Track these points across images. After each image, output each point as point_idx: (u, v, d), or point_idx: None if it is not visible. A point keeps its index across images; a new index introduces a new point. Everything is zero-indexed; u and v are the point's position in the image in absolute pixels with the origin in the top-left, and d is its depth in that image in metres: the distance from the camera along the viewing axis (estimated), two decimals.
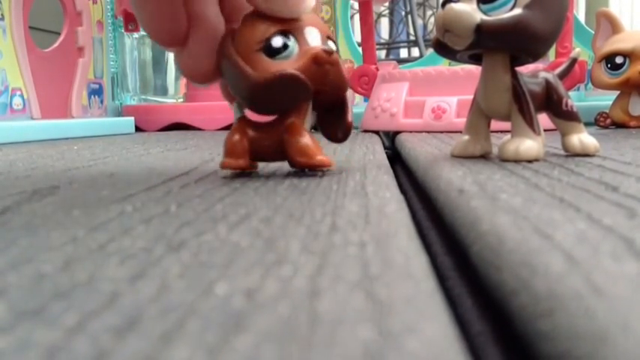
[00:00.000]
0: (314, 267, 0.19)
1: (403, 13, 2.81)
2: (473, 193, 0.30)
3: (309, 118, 0.43)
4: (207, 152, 0.71)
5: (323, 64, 0.40)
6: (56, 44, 1.34)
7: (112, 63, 1.62)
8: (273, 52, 0.40)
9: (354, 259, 0.20)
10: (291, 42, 0.41)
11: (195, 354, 0.12)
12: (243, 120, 0.43)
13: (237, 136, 0.43)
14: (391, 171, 0.47)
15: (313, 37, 0.42)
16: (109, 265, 0.20)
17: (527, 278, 0.17)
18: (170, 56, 2.09)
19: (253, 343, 0.13)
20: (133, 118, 1.46)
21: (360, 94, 1.19)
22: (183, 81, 1.82)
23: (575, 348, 0.13)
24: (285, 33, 0.41)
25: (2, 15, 1.16)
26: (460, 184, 0.33)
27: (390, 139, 0.91)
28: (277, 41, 0.40)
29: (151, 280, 0.18)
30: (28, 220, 0.29)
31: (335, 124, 0.45)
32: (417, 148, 0.60)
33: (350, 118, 0.45)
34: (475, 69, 0.73)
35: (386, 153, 0.65)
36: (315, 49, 0.40)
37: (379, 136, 0.97)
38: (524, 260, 0.18)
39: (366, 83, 1.17)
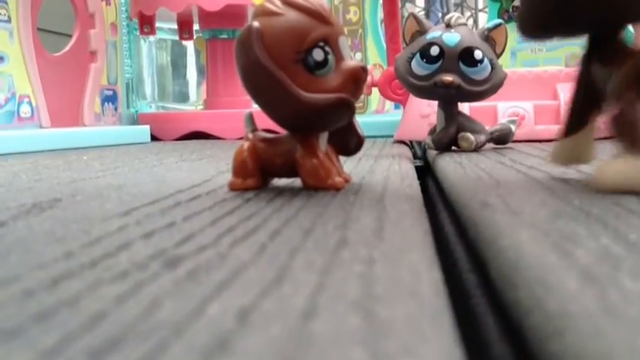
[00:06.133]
0: (314, 285, 0.19)
1: (440, 14, 2.81)
2: (496, 206, 0.30)
3: (325, 135, 0.43)
4: (224, 163, 0.71)
5: (360, 82, 0.41)
6: (67, 48, 1.35)
7: (126, 68, 1.63)
8: (313, 66, 0.40)
9: (359, 276, 0.20)
10: (330, 56, 0.40)
11: None
12: (254, 134, 0.43)
13: (246, 154, 0.43)
14: (417, 183, 0.47)
15: (345, 49, 0.41)
16: (99, 282, 0.20)
17: (541, 296, 0.17)
18: (190, 61, 2.11)
19: None
20: (148, 127, 1.47)
21: (393, 100, 1.18)
22: (204, 87, 1.83)
23: None
24: (323, 42, 0.40)
25: (9, 17, 1.17)
26: (484, 197, 0.33)
27: (423, 150, 0.91)
28: (319, 55, 0.40)
29: (140, 299, 0.18)
30: (24, 235, 0.29)
31: (346, 137, 0.45)
32: (447, 159, 0.60)
33: (360, 130, 0.45)
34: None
35: (417, 165, 0.65)
36: (354, 67, 0.41)
37: (411, 146, 0.97)
38: (540, 278, 0.18)
39: (399, 88, 1.15)
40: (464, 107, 0.87)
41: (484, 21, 2.06)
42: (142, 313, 0.17)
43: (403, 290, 0.18)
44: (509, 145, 0.82)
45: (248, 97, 0.42)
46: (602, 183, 0.32)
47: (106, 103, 1.48)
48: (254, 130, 0.44)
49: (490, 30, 0.75)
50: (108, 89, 1.49)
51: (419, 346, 0.14)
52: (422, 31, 0.76)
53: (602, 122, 0.37)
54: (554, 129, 0.93)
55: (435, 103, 0.78)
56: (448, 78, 0.72)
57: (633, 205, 0.29)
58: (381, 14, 1.64)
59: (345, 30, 0.44)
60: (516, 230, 0.25)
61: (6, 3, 1.16)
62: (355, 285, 0.19)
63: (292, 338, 0.14)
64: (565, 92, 0.93)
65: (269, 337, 0.14)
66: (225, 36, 1.61)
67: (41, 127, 1.23)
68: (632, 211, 0.28)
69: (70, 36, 1.39)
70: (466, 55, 0.72)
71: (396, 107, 1.46)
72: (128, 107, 1.63)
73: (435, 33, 0.74)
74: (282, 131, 0.43)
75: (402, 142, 1.05)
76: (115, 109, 1.53)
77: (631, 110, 0.31)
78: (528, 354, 0.17)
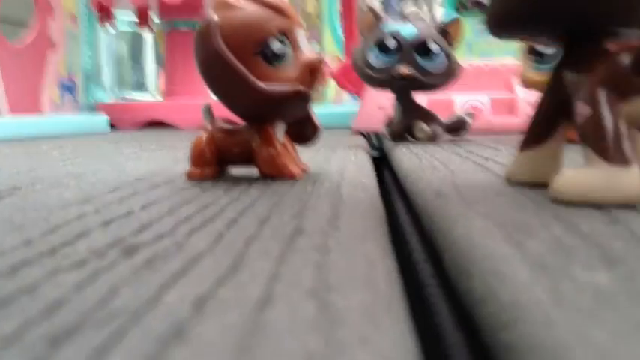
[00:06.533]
0: (270, 273, 0.19)
1: (397, 7, 2.81)
2: (451, 196, 0.30)
3: (282, 125, 0.43)
4: (183, 152, 0.70)
5: (317, 74, 0.41)
6: (26, 38, 1.34)
7: (86, 58, 1.62)
8: (271, 58, 0.40)
9: (314, 265, 0.20)
10: (288, 47, 0.40)
11: None
12: (212, 125, 0.43)
13: (204, 144, 0.43)
14: (373, 173, 0.47)
15: (303, 41, 0.42)
16: (57, 270, 0.20)
17: (494, 286, 0.17)
18: (148, 51, 2.09)
19: (192, 355, 0.13)
20: (106, 117, 1.46)
21: (349, 90, 1.18)
22: (163, 77, 1.82)
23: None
24: (281, 34, 0.40)
25: None
26: (438, 187, 0.33)
27: (379, 141, 0.91)
28: (277, 46, 0.40)
29: (98, 286, 0.18)
30: None
31: (303, 128, 0.45)
32: (403, 150, 0.60)
33: (317, 120, 0.45)
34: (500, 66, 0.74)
35: (374, 155, 0.65)
36: (311, 59, 0.41)
37: (367, 137, 0.97)
38: (493, 268, 0.18)
39: (356, 79, 1.15)
40: (421, 99, 0.87)
41: (440, 14, 2.07)
42: (100, 300, 0.17)
43: (358, 279, 0.18)
44: (466, 136, 0.83)
45: (206, 88, 0.42)
46: (559, 193, 0.30)
47: (65, 93, 1.47)
48: (212, 120, 0.44)
49: (446, 23, 0.76)
50: (67, 79, 1.48)
51: (373, 335, 0.14)
52: (379, 23, 0.76)
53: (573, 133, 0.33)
54: (509, 121, 0.94)
55: (391, 94, 0.78)
56: (404, 70, 0.72)
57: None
58: (339, 6, 1.65)
59: (303, 22, 0.44)
60: (470, 220, 0.25)
61: None
62: (310, 273, 0.19)
63: (248, 326, 0.14)
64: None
65: (225, 324, 0.14)
66: (184, 27, 1.60)
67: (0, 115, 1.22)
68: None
69: (29, 25, 1.38)
70: (422, 47, 0.73)
71: (353, 98, 1.47)
72: (87, 96, 1.62)
73: (391, 25, 0.75)
74: (241, 121, 0.43)
75: (359, 132, 1.05)
76: (74, 98, 1.52)
77: (600, 114, 0.30)
78: (481, 343, 0.17)
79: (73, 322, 0.15)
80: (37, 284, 0.18)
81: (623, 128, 0.29)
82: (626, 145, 0.29)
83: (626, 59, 0.30)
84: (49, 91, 1.38)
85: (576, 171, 0.30)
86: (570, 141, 0.35)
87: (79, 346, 0.13)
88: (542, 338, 0.13)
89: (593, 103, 0.30)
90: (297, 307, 0.16)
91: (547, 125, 0.36)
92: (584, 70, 0.32)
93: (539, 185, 0.33)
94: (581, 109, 0.30)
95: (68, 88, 1.48)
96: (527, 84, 0.80)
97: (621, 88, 0.30)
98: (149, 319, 0.15)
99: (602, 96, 0.30)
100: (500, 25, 0.36)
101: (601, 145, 0.29)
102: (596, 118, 0.30)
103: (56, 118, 1.33)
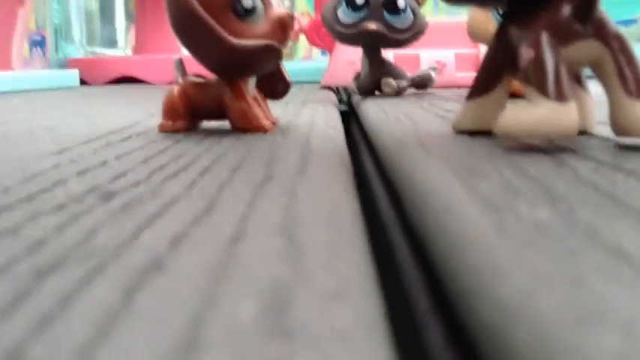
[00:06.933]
0: (241, 214, 0.20)
1: None
2: (413, 146, 0.31)
3: (253, 79, 0.44)
4: (154, 107, 0.71)
5: (288, 29, 0.41)
6: None
7: (55, 13, 1.61)
8: (242, 13, 0.41)
9: (283, 207, 0.21)
10: (259, 3, 0.41)
11: (111, 293, 0.13)
12: (183, 79, 0.44)
13: (176, 97, 0.43)
14: (341, 125, 0.48)
15: None
16: (37, 214, 0.21)
17: (446, 223, 0.18)
18: (119, 6, 2.07)
19: (170, 282, 0.14)
20: (77, 71, 1.45)
21: (319, 46, 1.19)
22: (133, 32, 1.81)
23: (475, 283, 0.14)
24: None
25: None
26: (402, 138, 0.34)
27: (348, 95, 0.92)
28: (247, 2, 0.40)
29: (78, 228, 0.19)
30: None
31: (274, 82, 0.46)
32: (370, 103, 0.62)
33: (287, 75, 0.46)
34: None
35: (342, 109, 0.66)
36: (282, 15, 0.41)
37: (336, 92, 0.98)
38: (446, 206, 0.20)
39: (326, 35, 1.16)
40: (388, 55, 0.88)
41: None
42: (81, 239, 0.18)
43: (323, 218, 0.19)
44: (430, 90, 0.84)
45: (177, 43, 0.43)
46: (503, 129, 0.31)
47: (34, 48, 1.46)
48: (184, 74, 0.44)
49: None
50: (36, 34, 1.47)
51: (336, 263, 0.15)
52: None
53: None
54: (473, 76, 0.95)
55: (360, 50, 0.79)
56: (372, 26, 0.73)
57: (536, 143, 0.31)
58: None
59: None
60: (428, 167, 0.26)
61: None
62: (279, 214, 0.20)
63: (221, 259, 0.15)
64: None
65: (200, 258, 0.16)
66: None
67: None
68: (535, 149, 0.30)
69: None
70: (390, 3, 0.74)
71: (323, 54, 1.47)
72: (57, 52, 1.61)
73: None
74: (212, 76, 0.43)
75: (329, 87, 1.06)
76: (44, 53, 1.51)
77: (542, 55, 0.31)
78: (434, 273, 0.18)
79: (56, 258, 0.16)
80: (18, 227, 0.19)
81: (563, 69, 0.31)
82: (566, 84, 0.31)
83: (567, 7, 0.32)
84: (19, 46, 1.37)
85: (519, 108, 0.31)
86: (514, 95, 0.36)
87: (63, 278, 0.14)
88: (482, 263, 0.15)
89: (536, 46, 0.31)
90: (266, 242, 0.17)
91: (493, 75, 0.37)
92: (529, 23, 0.33)
93: (485, 133, 0.35)
94: (525, 53, 0.32)
95: (37, 43, 1.47)
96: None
97: (562, 33, 0.32)
98: (128, 254, 0.16)
99: (544, 39, 0.31)
100: None
101: (542, 84, 0.31)
102: (538, 59, 0.31)
103: (26, 73, 1.32)
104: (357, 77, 0.80)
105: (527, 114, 0.31)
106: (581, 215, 0.18)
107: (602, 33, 0.32)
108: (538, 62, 0.31)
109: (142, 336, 0.11)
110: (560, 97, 0.30)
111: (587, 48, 0.32)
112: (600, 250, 0.15)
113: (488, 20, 0.70)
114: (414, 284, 0.19)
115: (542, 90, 0.30)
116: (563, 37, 0.32)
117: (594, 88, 0.36)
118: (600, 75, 0.33)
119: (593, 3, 0.32)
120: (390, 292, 0.16)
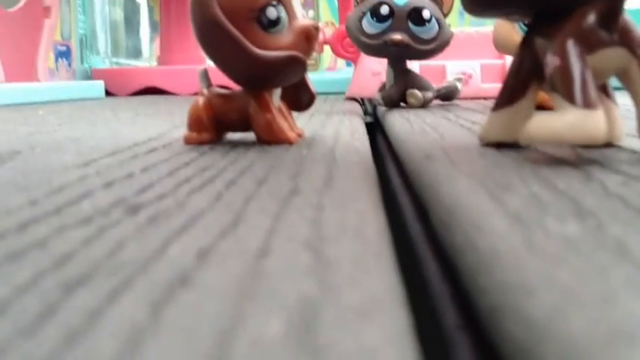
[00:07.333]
0: (268, 228, 0.20)
1: None
2: (439, 158, 0.31)
3: (278, 91, 0.44)
4: (179, 118, 0.71)
5: (312, 40, 0.42)
6: (21, 3, 1.33)
7: (80, 24, 1.62)
8: (267, 25, 0.41)
9: (309, 220, 0.21)
10: (283, 14, 0.41)
11: (139, 308, 0.13)
12: (208, 90, 0.44)
13: (201, 108, 0.43)
14: (366, 137, 0.48)
15: (298, 7, 0.42)
16: (64, 227, 0.21)
17: (473, 238, 0.18)
18: (143, 17, 2.08)
19: (197, 298, 0.14)
20: (102, 82, 1.46)
21: (345, 57, 1.19)
22: (158, 43, 1.82)
23: (504, 300, 0.14)
24: (276, 1, 0.41)
25: None
26: (428, 150, 0.34)
27: (373, 107, 0.92)
28: (272, 13, 0.41)
29: (105, 241, 0.19)
30: None
31: (298, 94, 0.46)
32: (396, 115, 0.61)
33: (312, 87, 0.46)
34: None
35: (368, 121, 0.66)
36: (306, 26, 0.42)
37: (362, 103, 0.98)
38: (473, 221, 0.19)
39: (351, 46, 1.16)
40: (414, 66, 0.88)
41: None
42: (108, 253, 0.18)
43: (350, 232, 0.19)
44: (456, 102, 0.84)
45: (202, 53, 0.43)
46: (528, 137, 0.31)
47: (59, 59, 1.47)
48: (209, 85, 0.44)
49: None
50: (62, 45, 1.48)
51: (363, 279, 0.15)
52: None
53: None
54: (499, 87, 0.95)
55: (385, 61, 0.79)
56: (397, 37, 0.73)
57: (564, 155, 0.31)
58: None
59: None
60: (455, 179, 0.26)
61: None
62: (306, 228, 0.20)
63: (248, 273, 0.15)
64: None
65: (226, 272, 0.16)
66: None
67: None
68: (563, 161, 0.30)
69: None
70: (415, 14, 0.74)
71: (348, 65, 1.47)
72: (82, 63, 1.62)
73: None
74: (237, 87, 0.44)
75: (353, 99, 1.06)
76: (69, 64, 1.52)
77: (568, 62, 0.31)
78: (462, 289, 0.18)
79: (83, 272, 0.16)
80: (46, 240, 0.19)
81: (589, 76, 0.31)
82: (593, 91, 0.30)
83: (592, 15, 0.32)
84: (45, 57, 1.38)
85: (546, 115, 0.31)
86: (540, 107, 0.36)
87: (92, 292, 0.14)
88: (512, 281, 0.15)
89: (562, 53, 0.31)
90: (292, 256, 0.17)
91: (519, 86, 0.37)
92: (554, 33, 0.33)
93: (512, 145, 0.35)
94: (551, 61, 0.32)
95: (63, 54, 1.48)
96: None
97: (588, 41, 0.32)
98: (155, 268, 0.16)
99: (570, 46, 0.31)
100: (475, 9, 0.38)
101: (569, 90, 0.30)
102: (564, 66, 0.31)
103: (52, 84, 1.33)
104: (382, 88, 0.80)
105: (554, 121, 0.30)
106: (610, 230, 0.18)
107: (627, 40, 0.32)
108: (564, 69, 0.31)
109: (170, 352, 0.11)
110: (588, 103, 0.30)
111: (613, 55, 0.32)
112: (631, 266, 0.15)
113: (514, 31, 0.70)
114: (442, 300, 0.19)
115: (569, 97, 0.30)
116: (588, 44, 0.31)
117: (621, 100, 0.36)
118: (627, 83, 0.33)
119: (619, 10, 0.32)
120: (418, 309, 0.16)
